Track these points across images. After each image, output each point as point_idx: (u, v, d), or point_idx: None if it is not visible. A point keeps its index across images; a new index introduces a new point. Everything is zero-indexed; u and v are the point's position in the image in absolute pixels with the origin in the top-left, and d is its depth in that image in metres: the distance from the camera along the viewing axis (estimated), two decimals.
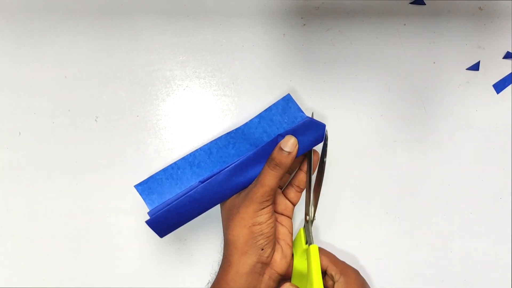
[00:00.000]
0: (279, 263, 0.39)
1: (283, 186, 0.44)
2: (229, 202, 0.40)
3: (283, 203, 0.42)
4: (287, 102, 0.42)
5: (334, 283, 0.40)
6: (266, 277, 0.39)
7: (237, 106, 0.49)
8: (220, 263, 0.40)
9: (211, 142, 0.43)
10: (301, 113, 0.42)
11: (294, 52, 0.49)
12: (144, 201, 0.42)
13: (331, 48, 0.49)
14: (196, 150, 0.43)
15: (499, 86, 0.50)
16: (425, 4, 0.50)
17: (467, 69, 0.50)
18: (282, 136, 0.40)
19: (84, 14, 0.49)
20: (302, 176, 0.42)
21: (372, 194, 0.49)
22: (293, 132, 0.40)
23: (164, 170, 0.43)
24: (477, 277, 0.49)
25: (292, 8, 0.49)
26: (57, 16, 0.49)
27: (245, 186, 0.40)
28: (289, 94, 0.43)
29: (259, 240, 0.38)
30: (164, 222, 0.40)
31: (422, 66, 0.50)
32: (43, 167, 0.48)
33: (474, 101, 0.50)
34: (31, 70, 0.48)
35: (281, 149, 0.38)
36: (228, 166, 0.40)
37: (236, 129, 0.43)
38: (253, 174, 0.40)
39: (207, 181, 0.40)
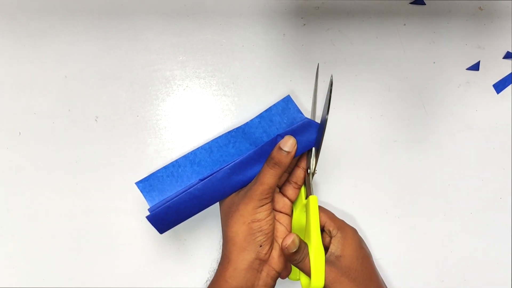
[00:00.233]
0: (276, 260, 0.39)
1: (281, 185, 0.44)
2: (228, 200, 0.41)
3: (281, 201, 0.43)
4: (287, 103, 0.43)
5: (331, 239, 0.40)
6: (264, 274, 0.39)
7: (237, 106, 0.49)
8: (218, 261, 0.40)
9: (212, 141, 0.43)
10: (300, 114, 0.43)
11: (294, 52, 0.49)
12: (145, 198, 0.43)
13: (331, 48, 0.49)
14: (197, 148, 0.43)
15: (499, 86, 0.50)
16: (425, 4, 0.50)
17: (467, 69, 0.50)
18: (281, 136, 0.40)
19: (84, 14, 0.49)
20: (299, 173, 0.42)
21: (372, 194, 0.49)
22: (292, 133, 0.40)
23: (165, 167, 0.43)
24: (477, 277, 0.49)
25: (292, 8, 0.49)
26: (57, 16, 0.49)
27: (244, 184, 0.41)
28: (289, 95, 0.44)
29: (258, 237, 0.38)
30: (164, 218, 0.40)
31: (422, 66, 0.50)
32: (43, 167, 0.48)
33: (474, 101, 0.50)
34: (31, 70, 0.48)
35: (281, 148, 0.39)
36: (228, 165, 0.40)
37: (236, 129, 0.43)
38: (253, 172, 0.40)
39: (207, 179, 0.40)
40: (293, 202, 0.43)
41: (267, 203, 0.39)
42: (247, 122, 0.43)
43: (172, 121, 0.49)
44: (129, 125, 0.48)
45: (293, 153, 0.39)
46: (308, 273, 0.38)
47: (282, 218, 0.42)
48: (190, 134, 0.49)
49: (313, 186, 0.42)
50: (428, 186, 0.50)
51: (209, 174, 0.42)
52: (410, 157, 0.49)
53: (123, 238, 0.48)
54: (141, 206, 0.48)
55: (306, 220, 0.41)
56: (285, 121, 0.43)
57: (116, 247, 0.48)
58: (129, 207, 0.48)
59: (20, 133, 0.48)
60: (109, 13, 0.49)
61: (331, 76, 0.39)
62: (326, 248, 0.40)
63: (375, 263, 0.42)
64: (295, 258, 0.38)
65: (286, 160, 0.39)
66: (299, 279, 0.42)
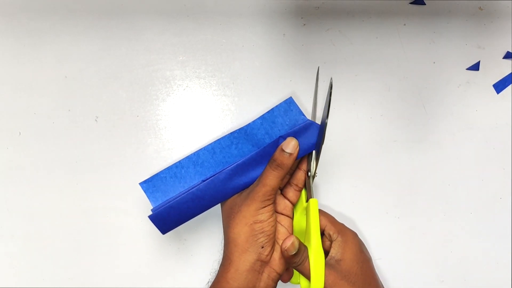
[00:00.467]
0: (278, 262, 0.39)
1: (282, 187, 0.44)
2: (230, 201, 0.41)
3: (282, 203, 0.43)
4: (289, 105, 0.43)
5: (331, 243, 0.40)
6: (265, 275, 0.39)
7: (237, 106, 0.49)
8: (220, 262, 0.40)
9: (215, 142, 0.43)
10: (303, 116, 0.43)
11: (294, 52, 0.49)
12: (148, 198, 0.43)
13: (331, 48, 0.49)
14: (200, 149, 0.44)
15: (499, 86, 0.50)
16: (425, 4, 0.50)
17: (467, 69, 0.50)
18: (283, 137, 0.40)
19: (84, 14, 0.49)
20: (300, 175, 0.42)
21: (372, 194, 0.49)
22: (294, 134, 0.40)
23: (169, 168, 0.43)
24: (477, 277, 0.49)
25: (292, 8, 0.49)
26: (57, 16, 0.49)
27: (246, 185, 0.41)
28: (291, 97, 0.44)
29: (260, 238, 0.38)
30: (166, 218, 0.41)
31: (422, 66, 0.50)
32: (43, 167, 0.48)
33: (474, 101, 0.50)
34: (31, 70, 0.48)
35: (283, 150, 0.39)
36: (230, 166, 0.41)
37: (239, 130, 0.43)
38: (255, 174, 0.40)
39: (209, 179, 0.40)
40: (294, 204, 0.43)
41: (269, 205, 0.39)
42: (249, 124, 0.43)
43: (172, 121, 0.49)
44: (129, 125, 0.48)
45: (295, 154, 0.39)
46: (307, 276, 0.38)
47: (283, 220, 0.42)
48: (190, 134, 0.49)
49: (313, 189, 0.42)
50: (428, 186, 0.50)
51: (211, 175, 0.42)
52: (410, 157, 0.49)
53: (123, 238, 0.48)
54: (141, 206, 0.48)
55: (306, 223, 0.41)
56: (287, 122, 0.43)
57: (116, 247, 0.48)
58: (129, 207, 0.48)
59: (20, 133, 0.48)
60: (109, 13, 0.49)
61: (331, 79, 0.39)
62: (327, 252, 0.40)
63: (374, 266, 0.42)
64: (294, 261, 0.38)
65: (288, 161, 0.39)
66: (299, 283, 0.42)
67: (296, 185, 0.42)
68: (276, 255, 0.40)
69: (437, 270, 0.49)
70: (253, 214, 0.38)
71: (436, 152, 0.50)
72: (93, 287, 0.48)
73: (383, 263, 0.49)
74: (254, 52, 0.49)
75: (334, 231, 0.40)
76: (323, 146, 0.40)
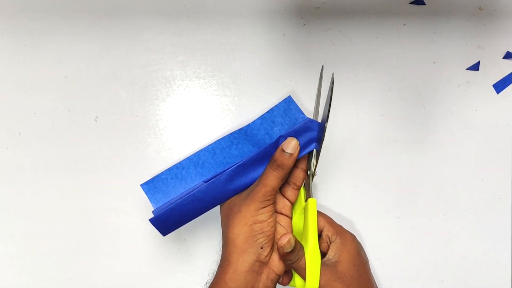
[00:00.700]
0: (277, 263, 0.39)
1: (281, 186, 0.44)
2: (229, 201, 0.41)
3: (281, 202, 0.42)
4: (288, 104, 0.43)
5: (329, 245, 0.40)
6: (264, 276, 0.39)
7: (237, 106, 0.49)
8: (218, 263, 0.40)
9: (215, 142, 0.43)
10: (302, 115, 0.43)
11: (294, 52, 0.49)
12: (150, 200, 0.43)
13: (331, 48, 0.49)
14: (200, 150, 0.43)
15: (499, 86, 0.50)
16: (425, 4, 0.50)
17: (467, 69, 0.50)
18: (284, 137, 0.40)
19: (84, 14, 0.49)
20: (298, 173, 0.42)
21: (372, 194, 0.49)
22: (294, 133, 0.40)
23: (169, 169, 0.43)
24: (477, 277, 0.49)
25: (292, 8, 0.49)
26: (57, 16, 0.49)
27: (247, 186, 0.41)
28: (290, 96, 0.44)
29: (259, 239, 0.38)
30: (167, 221, 0.40)
31: (422, 66, 0.50)
32: (43, 167, 0.48)
33: (474, 101, 0.50)
34: (31, 70, 0.48)
35: (283, 150, 0.39)
36: (231, 167, 0.40)
37: (239, 130, 0.43)
38: (255, 175, 0.40)
39: (210, 181, 0.40)
40: (292, 203, 0.43)
41: (269, 205, 0.39)
42: (249, 124, 0.43)
43: (172, 121, 0.49)
44: (129, 125, 0.48)
45: (295, 155, 0.39)
46: (302, 275, 0.38)
47: (282, 220, 0.42)
48: (190, 134, 0.49)
49: (312, 188, 0.41)
50: (428, 186, 0.50)
51: (212, 176, 0.42)
52: (410, 157, 0.49)
53: (123, 238, 0.48)
54: (141, 206, 0.48)
55: (304, 222, 0.41)
56: (287, 121, 0.43)
57: (116, 247, 0.48)
58: (129, 207, 0.48)
59: (20, 133, 0.48)
60: (109, 13, 0.49)
61: (332, 74, 0.39)
62: (325, 253, 0.40)
63: (371, 269, 0.42)
64: (289, 258, 0.38)
65: (288, 162, 0.39)
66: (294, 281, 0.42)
67: (295, 184, 0.42)
68: (275, 256, 0.39)
69: (437, 270, 0.49)
70: (252, 214, 0.38)
71: (436, 152, 0.50)
72: (93, 287, 0.48)
73: (383, 263, 0.49)
74: (254, 52, 0.49)
75: (332, 233, 0.40)
76: (323, 145, 0.40)
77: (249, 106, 0.49)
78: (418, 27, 0.50)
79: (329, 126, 0.48)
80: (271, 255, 0.39)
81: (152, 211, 0.42)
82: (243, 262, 0.38)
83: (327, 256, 0.39)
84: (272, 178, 0.38)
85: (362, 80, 0.49)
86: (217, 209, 0.43)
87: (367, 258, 0.42)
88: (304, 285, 0.38)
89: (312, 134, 0.40)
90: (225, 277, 0.38)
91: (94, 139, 0.48)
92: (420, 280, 0.49)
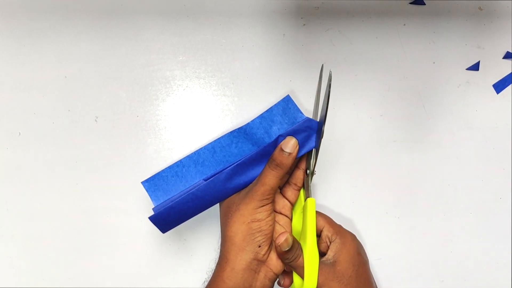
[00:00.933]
0: (275, 262, 0.39)
1: (282, 186, 0.44)
2: (228, 199, 0.41)
3: (281, 202, 0.42)
4: (287, 103, 0.44)
5: (329, 244, 0.40)
6: (261, 275, 0.39)
7: (237, 106, 0.49)
8: (216, 261, 0.40)
9: (215, 141, 0.44)
10: (300, 114, 0.43)
11: (294, 52, 0.49)
12: (150, 197, 0.43)
13: (331, 48, 0.49)
14: (200, 148, 0.44)
15: (499, 86, 0.50)
16: (425, 4, 0.50)
17: (467, 69, 0.50)
18: (283, 136, 0.40)
19: (84, 14, 0.49)
20: (299, 174, 0.42)
21: (372, 194, 0.49)
22: (293, 133, 0.40)
23: (170, 167, 0.44)
24: (477, 277, 0.49)
25: (292, 8, 0.49)
26: (57, 16, 0.49)
27: (246, 185, 0.41)
28: (288, 95, 0.44)
29: (257, 237, 0.38)
30: (166, 219, 0.41)
31: (422, 66, 0.50)
32: (43, 167, 0.48)
33: (474, 101, 0.50)
34: (31, 70, 0.48)
35: (282, 150, 0.39)
36: (230, 166, 0.41)
37: (238, 129, 0.44)
38: (254, 173, 0.40)
39: (209, 180, 0.40)
40: (292, 204, 0.43)
41: (267, 204, 0.39)
42: (248, 123, 0.44)
43: (172, 121, 0.49)
44: (129, 125, 0.48)
45: (294, 154, 0.39)
46: (300, 274, 0.38)
47: (281, 220, 0.42)
48: (190, 134, 0.49)
49: (312, 188, 0.41)
50: (428, 186, 0.50)
51: (212, 174, 0.43)
52: (410, 157, 0.49)
53: (123, 238, 0.48)
54: (141, 206, 0.48)
55: (303, 222, 0.41)
56: (286, 121, 0.43)
57: (116, 247, 0.48)
58: (129, 207, 0.48)
59: (20, 133, 0.48)
60: (109, 13, 0.49)
61: (330, 71, 0.39)
62: (324, 253, 0.40)
63: (372, 268, 0.42)
64: (287, 257, 0.38)
65: (287, 161, 0.39)
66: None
67: (295, 184, 0.42)
68: (274, 255, 0.39)
69: (437, 270, 0.49)
70: (251, 213, 0.38)
71: (436, 152, 0.50)
72: (93, 287, 0.48)
73: (383, 263, 0.49)
74: (254, 52, 0.49)
75: (332, 233, 0.40)
76: (322, 145, 0.40)
77: (249, 106, 0.49)
78: (418, 27, 0.50)
79: (329, 126, 0.48)
80: (269, 254, 0.39)
81: (153, 209, 0.42)
82: (240, 260, 0.38)
83: (326, 256, 0.39)
84: (270, 177, 0.38)
85: (362, 80, 0.49)
86: (217, 208, 0.43)
87: (367, 258, 0.42)
88: (302, 284, 0.38)
89: (311, 133, 0.41)
90: (223, 275, 0.38)
91: (94, 139, 0.48)
92: (420, 280, 0.49)
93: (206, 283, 0.40)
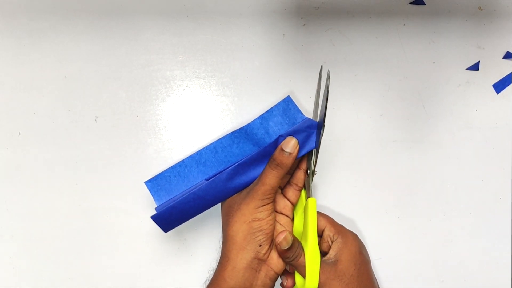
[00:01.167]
0: (276, 261, 0.39)
1: (283, 186, 0.44)
2: (230, 199, 0.41)
3: (282, 202, 0.43)
4: (287, 104, 0.44)
5: (331, 244, 0.40)
6: (262, 274, 0.39)
7: (237, 106, 0.49)
8: (218, 260, 0.40)
9: (216, 141, 0.44)
10: (300, 114, 0.43)
11: (294, 52, 0.49)
12: (153, 197, 0.44)
13: (331, 48, 0.49)
14: (202, 149, 0.44)
15: (499, 86, 0.50)
16: (425, 4, 0.50)
17: (467, 69, 0.50)
18: (283, 136, 0.40)
19: (84, 14, 0.49)
20: (300, 174, 0.42)
21: (372, 194, 0.49)
22: (294, 133, 0.40)
23: (172, 167, 0.44)
24: (477, 277, 0.49)
25: (292, 8, 0.49)
26: (57, 16, 0.49)
27: (247, 185, 0.41)
28: (289, 96, 0.44)
29: (258, 236, 0.38)
30: (168, 218, 0.41)
31: (422, 66, 0.50)
32: (43, 167, 0.48)
33: (474, 101, 0.50)
34: (31, 70, 0.48)
35: (282, 150, 0.39)
36: (231, 166, 0.41)
37: (239, 129, 0.44)
38: (255, 173, 0.41)
39: (211, 179, 0.41)
40: (294, 204, 0.43)
41: (268, 203, 0.39)
42: (249, 124, 0.44)
43: (172, 121, 0.49)
44: (129, 125, 0.48)
45: (294, 154, 0.39)
46: (301, 273, 0.38)
47: (282, 220, 0.42)
48: (190, 134, 0.49)
49: (312, 188, 0.42)
50: (428, 186, 0.50)
51: (214, 174, 0.43)
52: (410, 157, 0.49)
53: (123, 238, 0.48)
54: (141, 206, 0.48)
55: (304, 221, 0.41)
56: (286, 121, 0.44)
57: (116, 247, 0.48)
58: (129, 207, 0.48)
59: (20, 133, 0.48)
60: (109, 13, 0.49)
61: (328, 71, 0.39)
62: (326, 253, 0.40)
63: (372, 268, 0.42)
64: (287, 256, 0.38)
65: (288, 161, 0.39)
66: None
67: (296, 185, 0.42)
68: (274, 254, 0.40)
69: (437, 270, 0.49)
70: (251, 212, 0.38)
71: (436, 152, 0.50)
72: (93, 287, 0.48)
73: (383, 263, 0.49)
74: (254, 52, 0.49)
75: (334, 232, 0.40)
76: (322, 145, 0.40)
77: (249, 106, 0.49)
78: (418, 27, 0.50)
79: (329, 126, 0.48)
80: (269, 253, 0.39)
81: (155, 208, 0.43)
82: (241, 259, 0.38)
83: (328, 255, 0.39)
84: (271, 177, 0.39)
85: (362, 80, 0.49)
86: (217, 208, 0.43)
87: (369, 257, 0.42)
88: (304, 283, 0.38)
89: (311, 133, 0.41)
90: (224, 274, 0.38)
91: (94, 139, 0.48)
92: (420, 280, 0.49)
93: (207, 282, 0.40)
